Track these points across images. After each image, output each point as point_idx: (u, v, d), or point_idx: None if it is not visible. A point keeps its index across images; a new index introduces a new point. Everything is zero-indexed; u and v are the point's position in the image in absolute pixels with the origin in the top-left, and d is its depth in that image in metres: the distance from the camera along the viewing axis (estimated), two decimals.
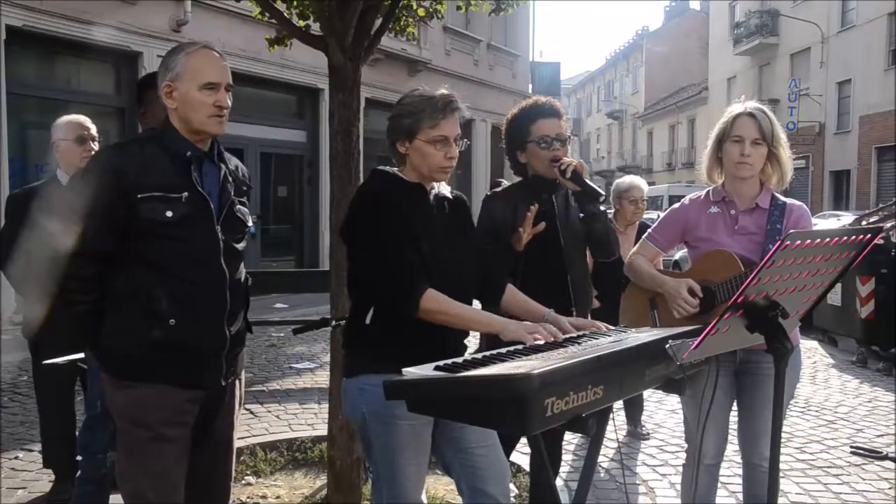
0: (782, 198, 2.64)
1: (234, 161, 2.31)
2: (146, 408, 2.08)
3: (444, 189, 2.28)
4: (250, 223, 2.31)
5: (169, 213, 2.04)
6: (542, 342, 1.84)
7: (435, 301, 1.99)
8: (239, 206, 2.24)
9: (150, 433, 2.09)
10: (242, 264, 2.28)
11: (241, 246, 2.26)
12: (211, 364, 2.16)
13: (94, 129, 3.36)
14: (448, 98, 2.12)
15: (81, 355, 2.76)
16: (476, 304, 2.22)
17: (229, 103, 2.14)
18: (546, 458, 1.87)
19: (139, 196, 2.01)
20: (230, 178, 2.23)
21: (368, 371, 2.04)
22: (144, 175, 2.03)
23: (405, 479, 2.11)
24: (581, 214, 2.83)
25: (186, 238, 2.07)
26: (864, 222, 2.13)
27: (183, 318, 2.06)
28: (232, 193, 2.22)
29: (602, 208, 2.83)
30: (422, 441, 2.12)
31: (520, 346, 1.84)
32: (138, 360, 2.06)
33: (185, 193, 2.07)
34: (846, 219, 12.68)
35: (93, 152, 3.28)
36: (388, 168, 2.22)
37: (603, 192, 2.78)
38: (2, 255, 3.23)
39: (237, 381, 2.33)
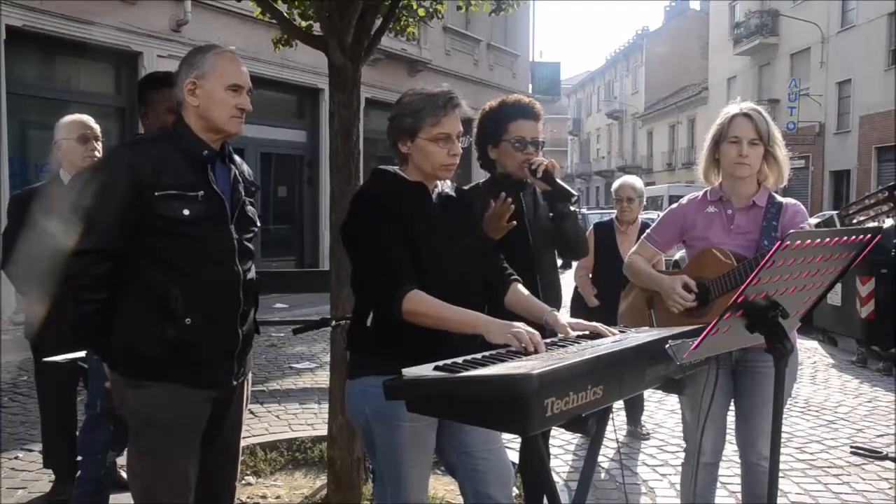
0: (779, 197, 2.65)
1: (240, 162, 2.33)
2: (159, 408, 2.08)
3: (447, 188, 2.27)
4: (259, 223, 2.32)
5: (186, 212, 2.04)
6: (521, 348, 1.80)
7: (418, 303, 1.96)
8: (249, 206, 2.26)
9: (164, 433, 2.09)
10: (253, 263, 2.29)
11: (252, 245, 2.27)
12: (223, 364, 2.17)
13: (97, 129, 3.36)
14: (449, 95, 2.10)
15: (82, 354, 2.76)
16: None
17: (250, 107, 2.18)
18: (545, 457, 1.87)
19: (156, 194, 2.02)
20: (240, 179, 2.25)
21: (371, 373, 2.03)
22: (160, 173, 2.03)
23: (409, 481, 2.10)
24: (551, 214, 2.78)
25: (202, 237, 2.08)
26: (844, 216, 2.11)
27: (198, 318, 2.06)
28: (243, 194, 2.23)
29: (573, 208, 2.78)
30: (425, 442, 2.12)
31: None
32: (151, 359, 2.06)
33: (202, 192, 2.08)
34: None
35: (96, 152, 3.28)
36: (389, 167, 2.22)
37: (575, 193, 2.72)
38: (4, 256, 3.23)
39: (245, 382, 2.34)
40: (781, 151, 2.61)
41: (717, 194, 2.69)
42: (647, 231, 2.91)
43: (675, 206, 2.86)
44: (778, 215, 2.57)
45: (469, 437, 2.15)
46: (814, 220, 2.60)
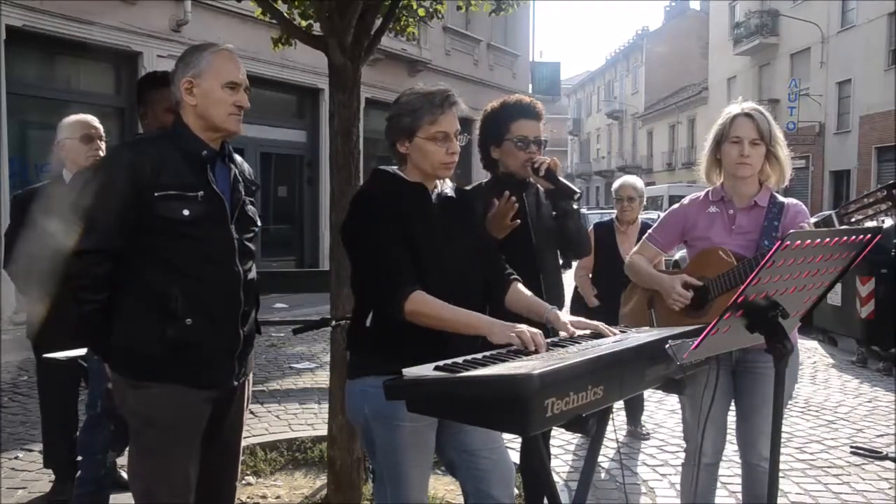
0: (781, 197, 2.65)
1: (240, 161, 2.32)
2: (160, 408, 2.07)
3: (447, 188, 2.27)
4: (259, 222, 2.31)
5: (186, 212, 2.04)
6: (522, 347, 1.80)
7: (420, 304, 1.96)
8: (249, 206, 2.25)
9: (164, 433, 2.09)
10: (254, 263, 2.28)
11: (252, 245, 2.27)
12: (224, 364, 2.17)
13: (101, 129, 3.36)
14: (445, 93, 2.10)
15: (82, 352, 2.76)
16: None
17: (248, 105, 2.17)
18: (545, 457, 1.87)
19: (156, 194, 2.01)
20: (240, 178, 2.24)
21: (370, 373, 2.03)
22: (160, 173, 2.03)
23: (409, 481, 2.10)
24: (554, 213, 2.78)
25: (202, 237, 2.07)
26: (843, 215, 2.09)
27: (198, 318, 2.06)
28: (243, 193, 2.23)
29: (575, 206, 2.78)
30: (425, 442, 2.12)
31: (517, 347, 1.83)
32: (152, 360, 2.06)
33: (201, 192, 2.08)
34: None
35: (100, 151, 3.28)
36: (389, 168, 2.21)
37: (578, 190, 2.72)
38: (6, 255, 3.23)
39: (246, 382, 2.34)
40: (783, 151, 2.60)
41: (718, 194, 2.69)
42: (649, 231, 2.91)
43: (676, 206, 2.86)
44: (779, 215, 2.57)
45: (470, 436, 2.15)
46: (812, 220, 2.60)
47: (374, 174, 2.23)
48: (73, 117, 3.35)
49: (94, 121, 3.36)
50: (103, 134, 3.37)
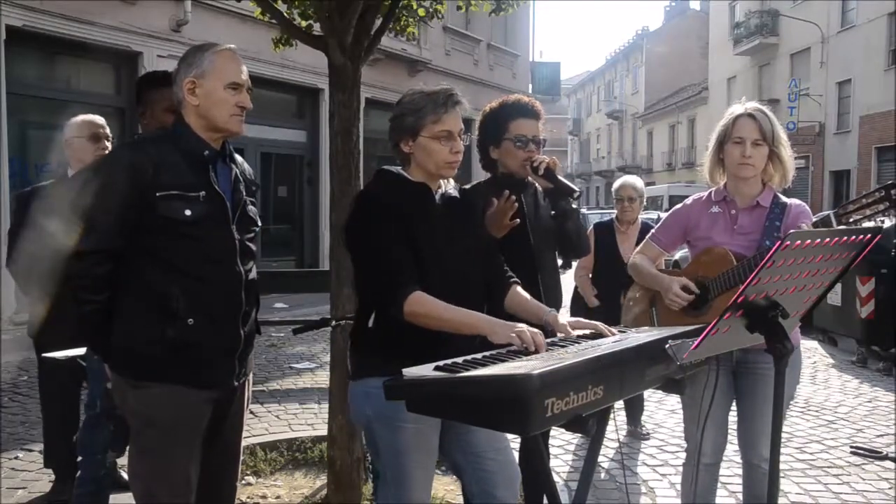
0: (784, 198, 2.65)
1: (241, 161, 2.32)
2: (159, 408, 2.07)
3: (450, 188, 2.27)
4: (260, 222, 2.32)
5: (187, 212, 2.04)
6: (522, 347, 1.80)
7: (420, 304, 1.96)
8: (250, 206, 2.25)
9: (164, 433, 2.09)
10: (254, 263, 2.28)
11: (253, 245, 2.27)
12: (224, 364, 2.17)
13: (108, 129, 3.38)
14: (449, 92, 2.11)
15: (81, 351, 2.76)
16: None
17: (250, 105, 2.17)
18: (545, 457, 1.87)
19: (158, 194, 2.01)
20: (241, 178, 2.24)
21: (373, 374, 2.02)
22: (162, 173, 2.03)
23: (412, 482, 2.09)
24: (553, 212, 2.78)
25: (203, 237, 2.07)
26: (841, 215, 2.09)
27: (199, 318, 2.06)
28: (244, 193, 2.23)
29: (574, 206, 2.78)
30: (428, 444, 2.11)
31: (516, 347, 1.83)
32: (152, 360, 2.05)
33: (203, 192, 2.08)
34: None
35: (106, 151, 3.28)
36: (392, 168, 2.21)
37: (577, 189, 2.73)
38: (9, 255, 3.23)
39: (246, 382, 2.34)
40: (786, 152, 2.60)
41: (721, 194, 2.69)
42: (652, 231, 2.91)
43: (679, 206, 2.86)
44: (781, 216, 2.57)
45: (475, 437, 2.14)
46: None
47: (377, 174, 2.23)
48: (80, 117, 3.38)
49: (102, 121, 3.39)
50: (110, 134, 3.38)
